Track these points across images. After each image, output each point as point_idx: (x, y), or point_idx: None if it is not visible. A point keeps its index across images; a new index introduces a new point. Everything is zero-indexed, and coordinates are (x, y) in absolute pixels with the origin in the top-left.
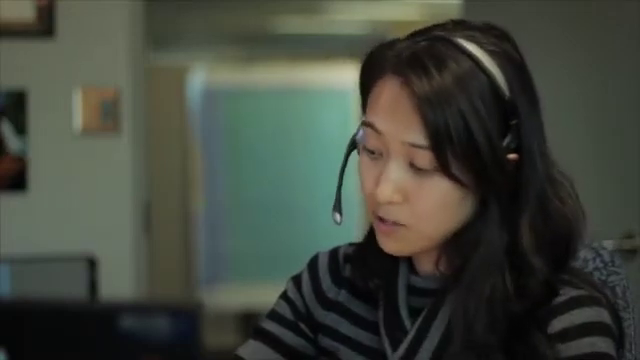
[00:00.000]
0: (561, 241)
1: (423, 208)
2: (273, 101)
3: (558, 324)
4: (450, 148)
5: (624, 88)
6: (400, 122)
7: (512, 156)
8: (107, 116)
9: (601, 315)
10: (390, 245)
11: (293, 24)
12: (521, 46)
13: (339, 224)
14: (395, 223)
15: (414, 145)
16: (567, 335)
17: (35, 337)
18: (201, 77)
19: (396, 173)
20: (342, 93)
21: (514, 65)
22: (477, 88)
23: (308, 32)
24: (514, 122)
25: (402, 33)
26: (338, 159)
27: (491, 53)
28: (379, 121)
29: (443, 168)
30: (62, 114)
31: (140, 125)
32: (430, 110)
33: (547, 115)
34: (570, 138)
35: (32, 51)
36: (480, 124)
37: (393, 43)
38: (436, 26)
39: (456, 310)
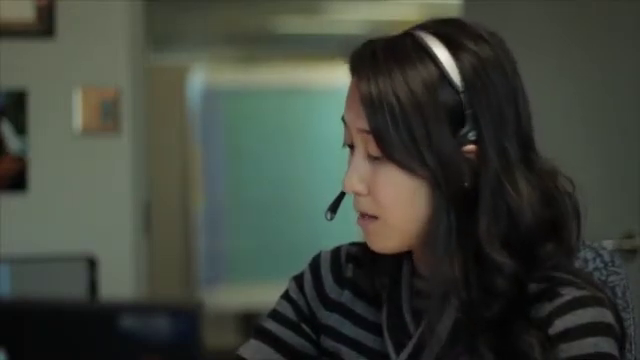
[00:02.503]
0: (527, 237)
1: (383, 198)
2: (273, 101)
3: (561, 324)
4: (389, 135)
5: (624, 88)
6: (353, 111)
7: (469, 147)
8: (107, 116)
9: (604, 315)
10: (372, 241)
11: (293, 24)
12: (520, 46)
13: (329, 220)
14: (366, 215)
15: (362, 130)
16: (570, 335)
17: (35, 337)
18: (201, 77)
19: (359, 163)
20: (342, 93)
21: (478, 58)
22: (424, 80)
23: (308, 32)
24: (469, 112)
25: None
26: (338, 159)
27: (452, 47)
28: (345, 114)
29: (384, 152)
30: (62, 114)
31: (140, 125)
32: (370, 105)
33: (547, 115)
34: (570, 138)
35: (32, 51)
36: (419, 114)
37: (370, 42)
38: (419, 25)
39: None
